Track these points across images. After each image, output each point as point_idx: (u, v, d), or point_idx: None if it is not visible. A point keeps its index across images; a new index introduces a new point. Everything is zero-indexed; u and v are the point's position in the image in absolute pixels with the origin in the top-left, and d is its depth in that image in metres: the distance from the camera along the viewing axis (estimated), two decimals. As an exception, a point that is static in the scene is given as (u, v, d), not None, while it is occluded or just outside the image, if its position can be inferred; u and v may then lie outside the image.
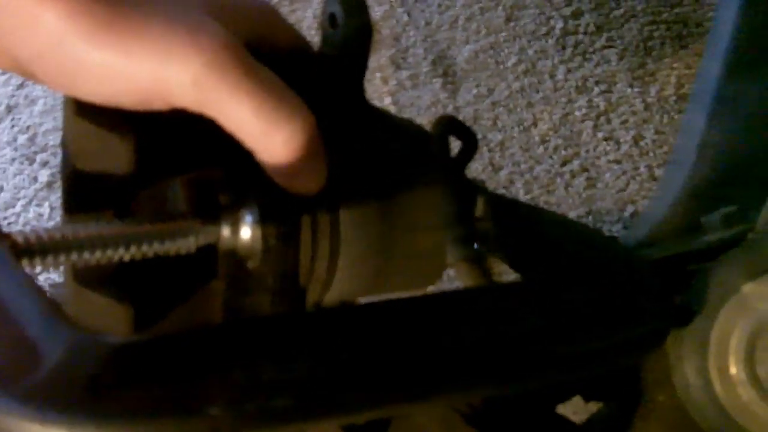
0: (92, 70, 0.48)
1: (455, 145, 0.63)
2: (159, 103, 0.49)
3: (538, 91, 1.69)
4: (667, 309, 0.54)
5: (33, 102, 1.56)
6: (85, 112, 0.51)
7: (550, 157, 1.62)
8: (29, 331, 0.38)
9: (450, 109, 1.66)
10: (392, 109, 1.60)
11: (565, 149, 1.63)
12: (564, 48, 1.74)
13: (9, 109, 1.55)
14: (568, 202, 1.57)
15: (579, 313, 0.50)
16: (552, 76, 1.71)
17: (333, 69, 0.58)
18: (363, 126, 0.59)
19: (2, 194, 1.45)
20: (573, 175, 1.60)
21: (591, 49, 1.75)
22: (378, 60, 1.69)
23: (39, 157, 1.49)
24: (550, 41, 1.75)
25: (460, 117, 1.59)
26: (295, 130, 0.50)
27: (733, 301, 0.59)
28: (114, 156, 0.51)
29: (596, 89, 1.70)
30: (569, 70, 1.72)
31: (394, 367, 0.42)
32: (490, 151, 1.61)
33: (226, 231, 0.54)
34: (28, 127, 1.53)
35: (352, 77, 0.59)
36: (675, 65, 1.73)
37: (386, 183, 0.59)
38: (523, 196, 1.57)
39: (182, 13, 0.49)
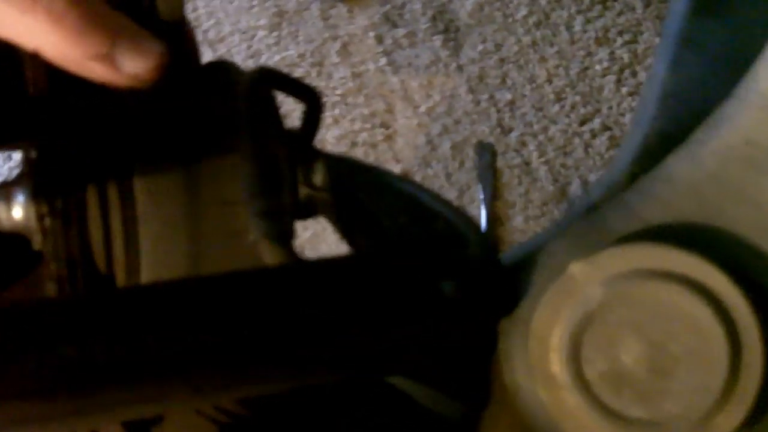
0: None
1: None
2: None
3: (552, 45, 1.58)
4: (486, 299, 0.46)
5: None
6: None
7: (567, 116, 1.52)
8: None
9: (452, 68, 1.55)
10: (388, 70, 1.53)
11: (584, 107, 1.52)
12: (583, -4, 1.64)
13: None
14: (588, 164, 1.47)
15: (366, 303, 0.43)
16: (568, 28, 1.60)
17: None
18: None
19: None
20: (593, 135, 1.50)
21: (614, -4, 1.64)
22: (371, 17, 1.59)
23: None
24: (568, -11, 1.64)
25: (465, 76, 1.51)
26: None
27: (557, 284, 0.47)
28: None
29: (619, 40, 1.59)
30: (588, 21, 1.60)
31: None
32: (498, 111, 1.51)
33: (0, 211, 0.51)
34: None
35: None
36: (710, 11, 1.62)
37: (188, 149, 0.53)
38: (537, 159, 1.47)
39: None
